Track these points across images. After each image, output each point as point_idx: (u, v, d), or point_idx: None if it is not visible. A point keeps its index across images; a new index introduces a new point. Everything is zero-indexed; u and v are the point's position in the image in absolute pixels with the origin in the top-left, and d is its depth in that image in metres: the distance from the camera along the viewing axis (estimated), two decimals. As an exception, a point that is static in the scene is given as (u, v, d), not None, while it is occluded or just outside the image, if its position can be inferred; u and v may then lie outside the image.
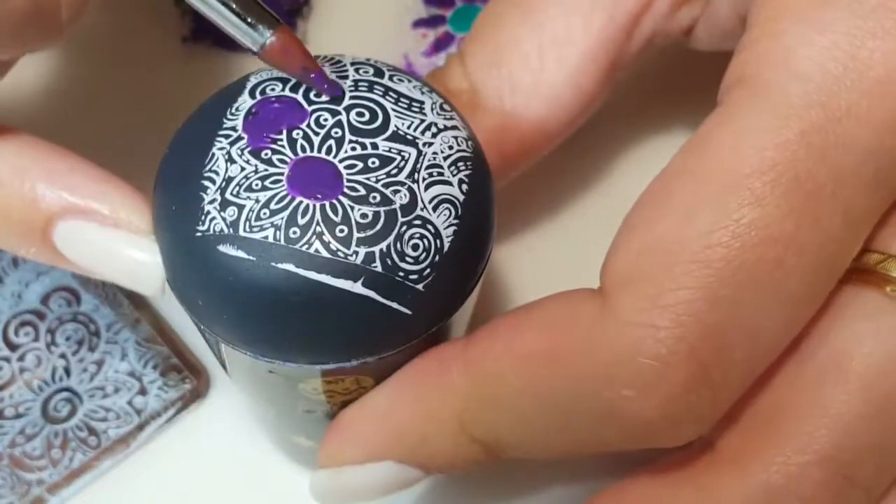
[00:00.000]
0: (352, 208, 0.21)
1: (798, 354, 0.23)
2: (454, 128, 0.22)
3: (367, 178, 0.21)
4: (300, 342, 0.21)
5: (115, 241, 0.23)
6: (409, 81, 0.23)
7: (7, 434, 0.30)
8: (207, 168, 0.21)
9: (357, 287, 0.21)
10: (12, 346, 0.31)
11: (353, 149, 0.21)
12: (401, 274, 0.21)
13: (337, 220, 0.21)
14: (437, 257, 0.21)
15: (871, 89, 0.21)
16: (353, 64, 0.23)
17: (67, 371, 0.31)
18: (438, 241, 0.21)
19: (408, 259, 0.21)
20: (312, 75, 0.22)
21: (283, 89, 0.22)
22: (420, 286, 0.21)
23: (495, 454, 0.24)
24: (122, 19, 0.36)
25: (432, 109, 0.22)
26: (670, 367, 0.21)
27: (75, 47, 0.36)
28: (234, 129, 0.21)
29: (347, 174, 0.21)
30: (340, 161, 0.21)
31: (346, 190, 0.21)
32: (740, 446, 0.23)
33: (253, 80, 0.22)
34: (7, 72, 0.25)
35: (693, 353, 0.21)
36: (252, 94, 0.22)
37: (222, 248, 0.21)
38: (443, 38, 0.37)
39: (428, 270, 0.21)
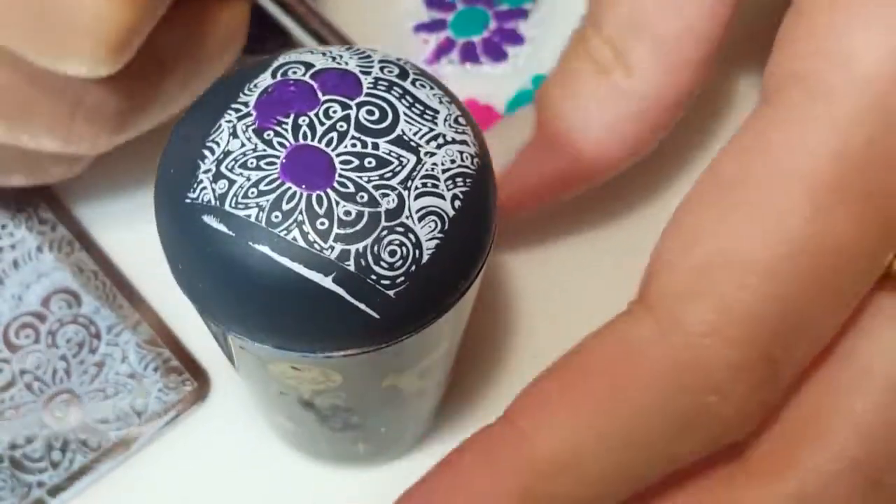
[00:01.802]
0: (337, 203, 0.21)
1: (829, 362, 0.23)
2: (462, 142, 0.22)
3: (360, 177, 0.21)
4: (266, 325, 0.21)
5: None
6: (431, 88, 0.23)
7: (7, 436, 0.30)
8: (211, 138, 0.21)
9: (327, 281, 0.21)
10: (13, 348, 0.31)
11: (354, 145, 0.21)
12: (373, 277, 0.21)
13: (320, 212, 0.21)
14: (413, 267, 0.21)
15: None
16: (380, 62, 0.23)
17: (68, 373, 0.31)
18: (417, 252, 0.21)
19: (383, 264, 0.21)
20: None
21: (303, 74, 0.22)
22: (391, 292, 0.21)
23: None
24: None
25: (445, 121, 0.22)
26: (744, 370, 0.21)
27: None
28: (246, 104, 0.22)
29: (341, 169, 0.21)
30: (337, 155, 0.21)
31: (335, 184, 0.21)
32: (772, 456, 0.23)
33: (280, 60, 0.22)
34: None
35: (765, 355, 0.21)
36: (274, 74, 0.22)
37: (206, 219, 0.21)
38: (444, 45, 0.37)
39: (402, 279, 0.21)
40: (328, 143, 0.21)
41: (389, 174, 0.21)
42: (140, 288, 0.33)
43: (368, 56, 0.23)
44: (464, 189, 0.22)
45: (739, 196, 0.22)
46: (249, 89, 0.22)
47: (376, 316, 0.21)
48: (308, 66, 0.22)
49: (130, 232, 0.34)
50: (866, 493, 0.22)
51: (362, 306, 0.21)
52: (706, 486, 0.24)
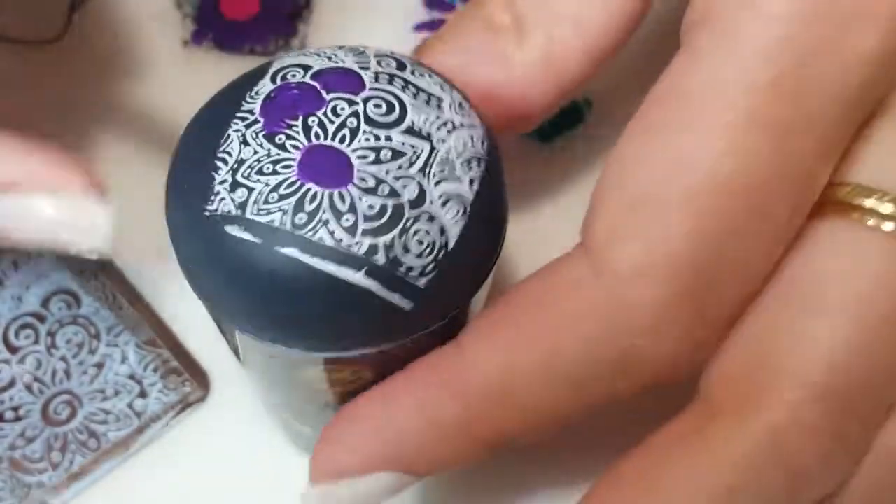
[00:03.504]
0: (360, 199, 0.21)
1: (778, 294, 0.23)
2: (471, 126, 0.22)
3: (378, 170, 0.21)
4: (300, 328, 0.21)
5: (52, 205, 0.24)
6: (430, 77, 0.23)
7: (7, 437, 0.30)
8: (221, 148, 0.21)
9: (358, 277, 0.21)
10: (12, 349, 0.31)
11: (367, 140, 0.21)
12: (403, 268, 0.21)
13: (343, 209, 0.20)
14: (441, 254, 0.21)
15: (840, 25, 0.21)
16: (375, 55, 0.23)
17: (67, 374, 0.31)
18: (444, 239, 0.21)
19: (411, 254, 0.21)
20: None
21: (303, 76, 0.22)
22: (422, 282, 0.21)
23: (499, 448, 0.23)
24: (122, 22, 0.36)
25: (451, 107, 0.22)
26: (673, 308, 0.21)
27: (76, 50, 0.36)
28: (251, 111, 0.21)
29: (358, 164, 0.21)
30: (353, 151, 0.21)
31: (355, 180, 0.21)
32: (736, 395, 0.22)
33: (276, 66, 0.22)
34: None
35: (691, 293, 0.21)
36: (273, 80, 0.22)
37: (229, 229, 0.21)
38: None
39: (431, 266, 0.21)
40: (342, 140, 0.21)
41: (407, 164, 0.21)
42: (140, 288, 0.33)
43: (363, 52, 0.23)
44: (480, 171, 0.22)
45: (660, 138, 0.22)
46: (251, 97, 0.22)
47: (409, 307, 0.21)
48: (306, 67, 0.22)
49: (130, 232, 0.34)
50: (839, 420, 0.22)
51: (395, 299, 0.21)
52: (678, 440, 0.23)
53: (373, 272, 0.21)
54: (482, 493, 0.31)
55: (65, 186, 0.23)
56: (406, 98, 0.22)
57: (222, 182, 0.21)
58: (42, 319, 0.32)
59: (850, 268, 0.22)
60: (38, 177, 0.24)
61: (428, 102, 0.22)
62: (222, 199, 0.21)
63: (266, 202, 0.21)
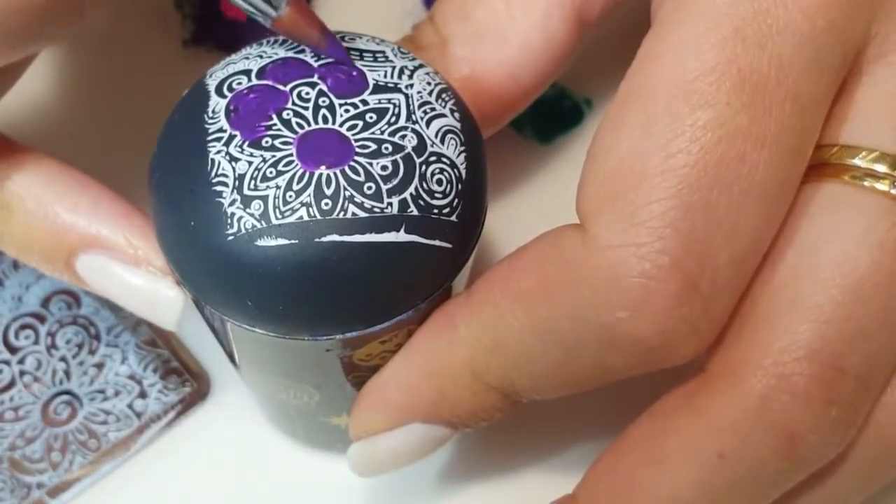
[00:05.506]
0: (370, 164, 0.21)
1: (769, 259, 0.22)
2: (421, 66, 0.23)
3: (372, 133, 0.21)
4: (359, 308, 0.21)
5: (135, 276, 0.24)
6: (360, 37, 0.23)
7: (7, 437, 0.30)
8: (213, 175, 0.21)
9: (401, 236, 0.21)
10: (12, 350, 0.31)
11: (347, 111, 0.21)
12: (435, 211, 0.21)
13: (361, 179, 0.21)
14: (459, 186, 0.22)
15: None
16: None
17: (67, 374, 0.31)
18: (456, 171, 0.22)
19: (437, 195, 0.21)
20: (327, 40, 0.22)
21: (250, 80, 0.22)
22: (454, 217, 0.21)
23: (513, 399, 0.24)
24: (123, 23, 0.36)
25: (395, 55, 0.23)
26: (657, 281, 0.21)
27: (76, 50, 0.36)
28: (221, 130, 0.21)
29: (352, 135, 0.21)
30: (341, 125, 0.21)
31: (357, 149, 0.21)
32: (728, 360, 0.23)
33: (212, 82, 0.22)
34: (23, 72, 0.26)
35: (676, 263, 0.21)
36: (221, 94, 0.22)
37: (260, 243, 0.21)
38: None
39: (456, 201, 0.22)
40: (324, 120, 0.21)
41: (393, 118, 0.22)
42: (139, 289, 0.33)
43: (283, 40, 0.23)
44: (453, 101, 0.23)
45: (629, 108, 0.22)
46: (211, 117, 0.22)
47: (449, 246, 0.22)
48: (247, 72, 0.22)
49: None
50: (829, 382, 0.21)
51: (437, 243, 0.21)
52: (674, 406, 0.23)
53: (411, 225, 0.21)
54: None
55: (150, 262, 0.24)
56: (356, 62, 0.22)
57: (232, 203, 0.21)
58: (42, 319, 0.32)
59: (836, 228, 0.22)
60: (128, 246, 0.24)
61: (375, 59, 0.22)
62: (240, 218, 0.21)
63: (286, 202, 0.21)
